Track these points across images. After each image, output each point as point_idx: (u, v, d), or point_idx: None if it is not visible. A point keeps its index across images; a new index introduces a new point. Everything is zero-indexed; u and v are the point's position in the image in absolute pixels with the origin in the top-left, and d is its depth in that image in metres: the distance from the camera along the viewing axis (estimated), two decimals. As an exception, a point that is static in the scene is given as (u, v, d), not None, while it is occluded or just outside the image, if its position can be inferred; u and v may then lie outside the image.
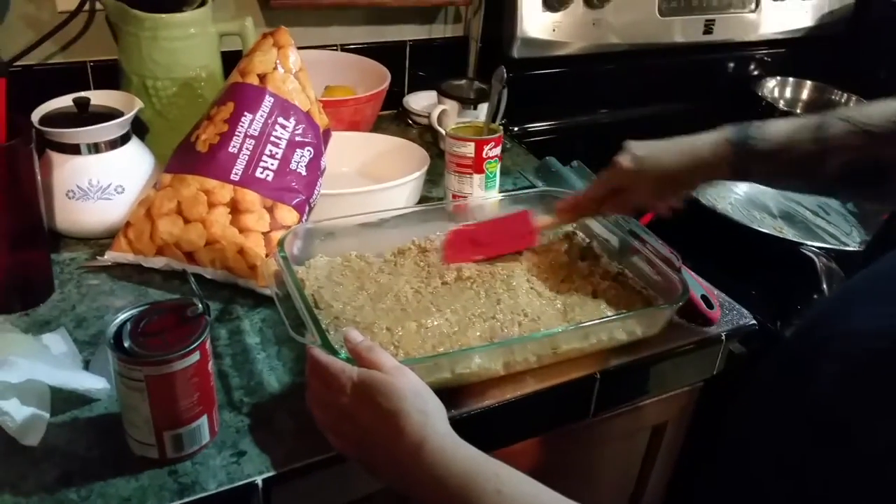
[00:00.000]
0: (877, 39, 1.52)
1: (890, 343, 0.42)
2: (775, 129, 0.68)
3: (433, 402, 0.56)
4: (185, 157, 0.79)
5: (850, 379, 0.43)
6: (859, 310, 0.46)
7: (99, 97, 0.85)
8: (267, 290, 0.75)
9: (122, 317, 0.58)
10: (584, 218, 0.84)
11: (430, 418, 0.54)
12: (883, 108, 0.63)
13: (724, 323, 0.80)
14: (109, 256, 0.80)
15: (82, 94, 0.84)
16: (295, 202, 0.79)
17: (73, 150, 0.81)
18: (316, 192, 0.82)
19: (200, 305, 0.58)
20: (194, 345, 0.55)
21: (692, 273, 0.83)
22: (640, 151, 0.74)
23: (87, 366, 0.67)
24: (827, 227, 1.09)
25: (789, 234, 1.06)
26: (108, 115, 0.82)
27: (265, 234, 0.76)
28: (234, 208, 0.76)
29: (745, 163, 0.68)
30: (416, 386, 0.56)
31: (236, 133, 0.78)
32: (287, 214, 0.78)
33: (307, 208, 0.80)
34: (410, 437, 0.53)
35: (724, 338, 0.79)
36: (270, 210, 0.77)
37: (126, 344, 0.56)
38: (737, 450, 0.56)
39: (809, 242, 0.95)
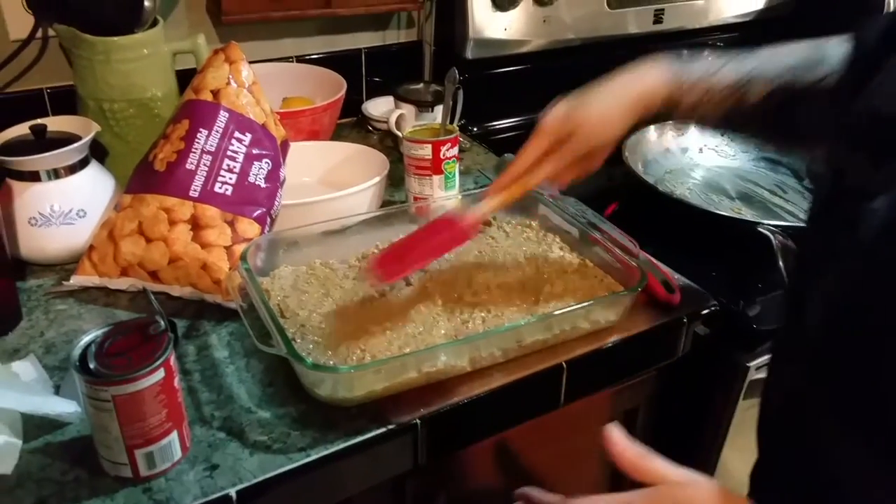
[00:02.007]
0: (823, 18, 1.55)
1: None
2: (701, 60, 0.69)
3: (737, 498, 0.50)
4: (143, 177, 0.80)
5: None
6: None
7: (56, 123, 0.86)
8: (232, 304, 0.75)
9: (86, 339, 0.58)
10: (521, 192, 0.74)
11: None
12: (790, 46, 0.68)
13: (686, 305, 0.82)
14: (75, 281, 0.80)
15: (38, 121, 0.84)
16: (255, 214, 0.79)
17: (33, 177, 0.81)
18: (276, 203, 0.83)
19: (163, 322, 0.59)
20: (158, 362, 0.56)
21: (652, 259, 0.85)
22: (566, 102, 0.70)
23: (58, 391, 0.67)
24: (785, 206, 1.12)
25: (747, 214, 1.08)
26: (66, 140, 0.82)
27: (227, 248, 0.77)
28: (195, 224, 0.76)
29: (678, 93, 0.68)
30: (717, 490, 0.50)
31: (193, 150, 0.78)
32: (248, 227, 0.78)
33: (268, 220, 0.81)
34: None
35: (685, 320, 0.81)
36: (231, 224, 0.78)
37: (91, 365, 0.56)
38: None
39: (766, 221, 0.97)
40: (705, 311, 0.82)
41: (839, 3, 1.52)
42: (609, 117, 0.69)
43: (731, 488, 0.50)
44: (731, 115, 0.69)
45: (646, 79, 0.69)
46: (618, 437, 0.51)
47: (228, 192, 0.78)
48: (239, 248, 0.77)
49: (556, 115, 0.70)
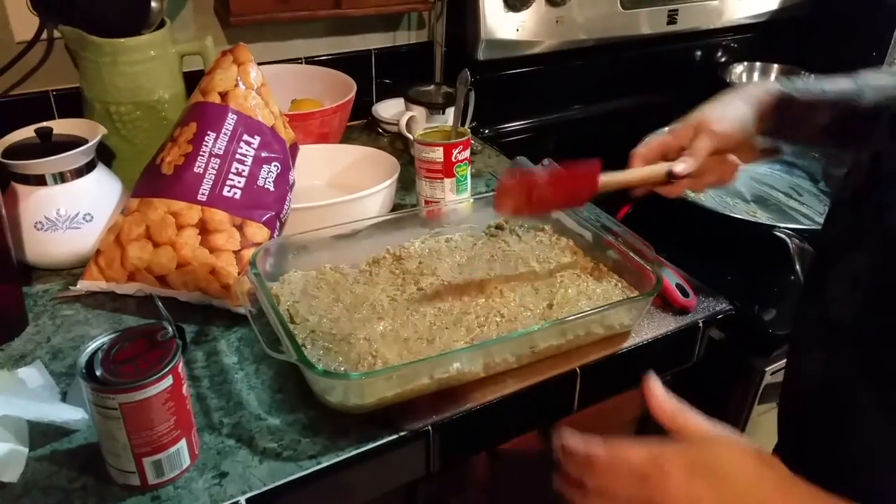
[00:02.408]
0: (839, 20, 1.54)
1: None
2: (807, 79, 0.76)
3: (767, 456, 0.49)
4: (151, 181, 0.79)
5: None
6: None
7: (62, 126, 0.85)
8: (241, 310, 0.74)
9: (93, 345, 0.57)
10: (659, 175, 0.75)
11: (779, 472, 0.47)
12: None
13: (702, 310, 0.80)
14: (82, 285, 0.79)
15: (44, 124, 0.83)
16: (265, 218, 0.78)
17: (39, 180, 0.80)
18: (286, 207, 0.82)
19: (170, 329, 0.58)
20: (166, 369, 0.55)
21: (667, 263, 0.83)
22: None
23: (64, 397, 0.66)
24: (800, 209, 1.10)
25: (763, 217, 1.06)
26: (72, 143, 0.81)
27: (236, 252, 0.76)
28: (203, 229, 0.75)
29: (791, 94, 0.74)
30: (749, 448, 0.49)
31: (201, 153, 0.77)
32: (257, 231, 0.77)
33: (278, 224, 0.80)
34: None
35: (701, 325, 0.79)
36: (240, 228, 0.77)
37: (98, 372, 0.55)
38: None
39: (782, 224, 0.96)
40: (721, 316, 0.81)
41: (854, 4, 1.51)
42: (729, 110, 0.75)
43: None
44: (840, 121, 0.72)
45: (759, 84, 0.78)
46: (658, 390, 0.51)
47: (237, 196, 0.77)
48: (248, 253, 0.75)
49: (682, 121, 0.76)
